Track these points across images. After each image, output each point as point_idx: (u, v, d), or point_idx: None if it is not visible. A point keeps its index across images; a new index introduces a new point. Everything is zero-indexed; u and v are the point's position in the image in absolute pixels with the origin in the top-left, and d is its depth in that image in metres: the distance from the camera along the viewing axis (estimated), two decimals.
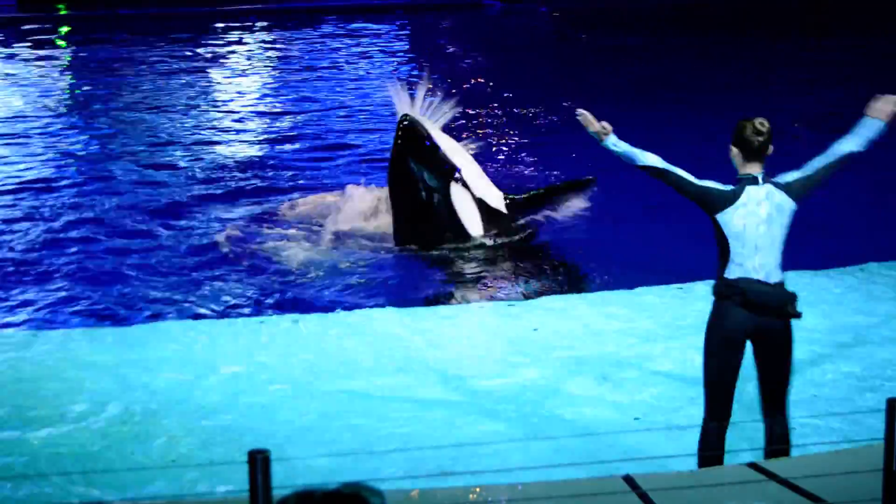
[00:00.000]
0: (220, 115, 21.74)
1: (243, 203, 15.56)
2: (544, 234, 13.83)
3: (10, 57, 29.25)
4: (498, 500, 6.52)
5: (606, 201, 14.17)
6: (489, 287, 12.50)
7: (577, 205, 13.65)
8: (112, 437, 8.48)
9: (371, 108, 22.25)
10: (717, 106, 20.89)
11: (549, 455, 7.68)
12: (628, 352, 10.10)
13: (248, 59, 28.64)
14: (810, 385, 9.22)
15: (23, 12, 36.60)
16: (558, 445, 7.97)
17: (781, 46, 28.69)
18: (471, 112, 15.33)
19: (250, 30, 32.84)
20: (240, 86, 24.90)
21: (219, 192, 16.16)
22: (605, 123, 7.63)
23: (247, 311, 11.61)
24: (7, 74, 26.57)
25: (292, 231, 14.17)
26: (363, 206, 14.85)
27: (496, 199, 13.74)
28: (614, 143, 7.59)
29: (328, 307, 11.64)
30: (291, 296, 12.04)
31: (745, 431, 8.26)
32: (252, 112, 22.11)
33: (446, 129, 14.21)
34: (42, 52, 30.03)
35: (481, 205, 13.60)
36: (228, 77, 26.06)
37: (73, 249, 13.57)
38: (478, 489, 6.66)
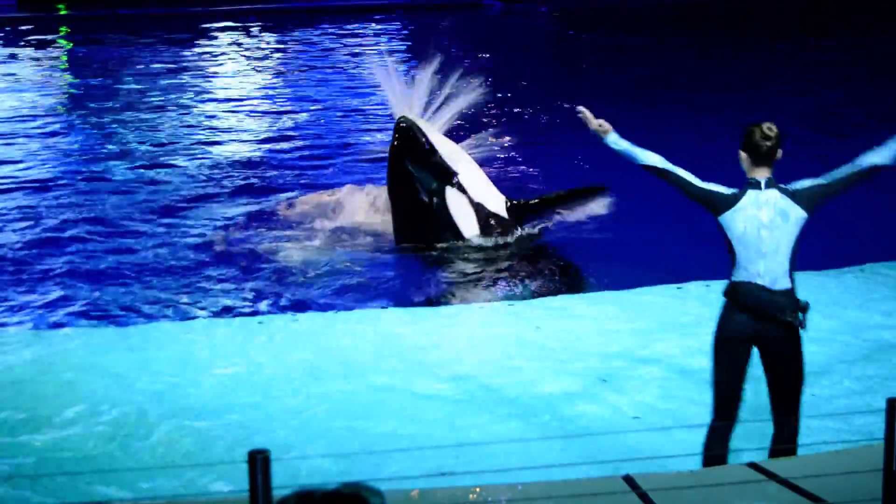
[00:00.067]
0: (220, 114, 21.75)
1: (242, 203, 15.56)
2: (545, 233, 13.80)
3: (10, 57, 29.25)
4: (498, 500, 6.52)
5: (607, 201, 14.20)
6: (489, 287, 12.49)
7: (585, 212, 13.62)
8: (112, 437, 8.47)
9: (370, 107, 22.26)
10: (716, 106, 20.90)
11: (550, 455, 7.67)
12: (628, 352, 10.09)
13: (248, 58, 28.65)
14: (809, 385, 9.21)
15: (23, 12, 36.61)
16: (558, 445, 7.97)
17: (781, 46, 28.69)
18: (471, 113, 15.29)
19: (249, 30, 32.84)
20: (239, 85, 24.91)
21: (218, 191, 16.17)
22: (602, 122, 7.65)
23: (246, 310, 11.61)
24: (7, 74, 26.56)
25: (291, 231, 14.17)
26: (362, 206, 14.86)
27: (497, 203, 13.67)
28: (615, 141, 7.61)
29: (327, 306, 11.65)
30: (290, 295, 12.04)
31: (746, 431, 8.25)
32: (251, 112, 22.11)
33: (448, 130, 14.20)
34: (42, 52, 30.05)
35: (479, 209, 13.53)
36: (227, 77, 26.07)
37: (72, 249, 13.58)
38: (478, 489, 6.66)
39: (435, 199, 13.51)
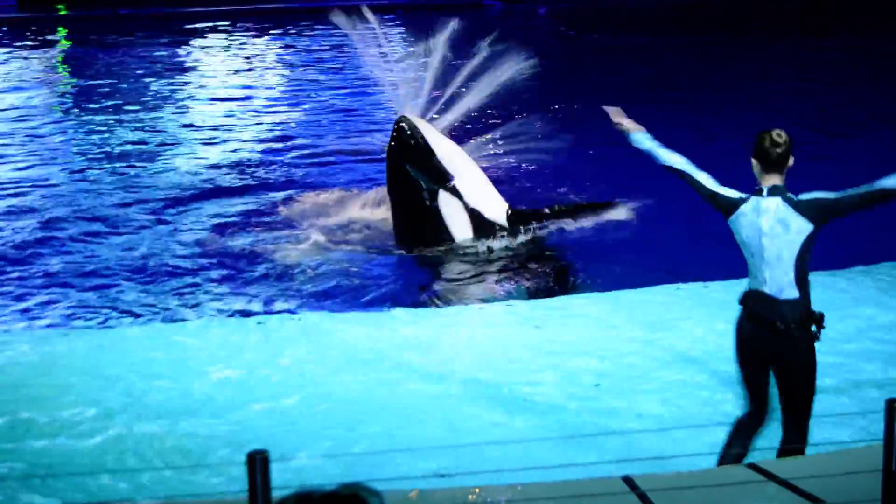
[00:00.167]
0: (218, 114, 21.74)
1: (240, 202, 15.54)
2: (545, 240, 13.73)
3: (10, 57, 29.23)
4: (497, 500, 6.51)
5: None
6: (489, 287, 12.48)
7: (591, 224, 13.58)
8: (111, 438, 8.47)
9: (369, 107, 22.24)
10: (717, 106, 20.89)
11: (549, 455, 7.67)
12: (628, 352, 10.09)
13: (247, 58, 28.64)
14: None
15: (23, 12, 36.60)
16: (557, 446, 7.97)
17: (781, 46, 28.67)
18: (471, 114, 15.28)
19: (249, 30, 32.84)
20: (238, 85, 24.89)
21: (216, 191, 16.15)
22: (624, 122, 7.69)
23: (243, 310, 11.58)
24: (6, 74, 26.56)
25: (289, 230, 14.14)
26: (361, 206, 14.85)
27: (495, 210, 13.54)
28: (639, 140, 7.65)
29: (325, 307, 11.64)
30: (288, 295, 12.01)
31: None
32: (250, 111, 22.09)
33: (450, 131, 14.14)
34: (42, 53, 30.04)
35: (473, 214, 13.41)
36: (226, 77, 26.06)
37: (68, 249, 13.57)
38: (477, 490, 6.66)
39: (428, 202, 13.40)
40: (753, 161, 7.27)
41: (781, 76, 24.44)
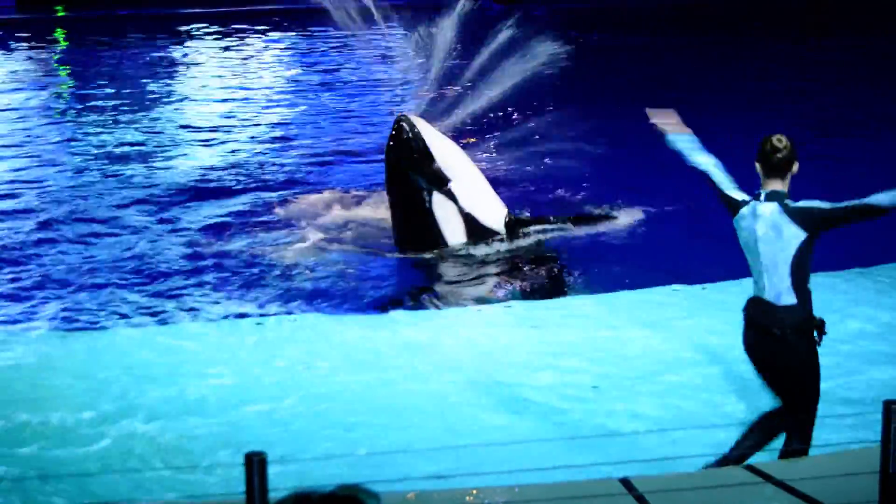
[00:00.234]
0: (216, 115, 21.70)
1: (237, 204, 15.49)
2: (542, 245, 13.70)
3: (8, 58, 29.22)
4: (495, 502, 6.52)
5: (602, 201, 14.23)
6: (487, 288, 12.45)
7: (591, 231, 13.57)
8: (108, 440, 8.46)
9: (367, 108, 22.23)
10: (716, 106, 20.84)
11: (547, 457, 7.67)
12: (625, 353, 10.10)
13: (245, 59, 28.60)
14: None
15: (21, 13, 36.56)
16: (555, 447, 7.97)
17: (781, 46, 28.64)
18: (472, 115, 15.29)
19: (247, 30, 32.80)
20: (235, 86, 24.86)
21: (213, 192, 16.10)
22: (666, 123, 7.71)
23: (240, 312, 11.54)
24: (4, 75, 26.54)
25: (287, 231, 14.09)
26: (359, 207, 14.82)
27: (492, 215, 13.39)
28: (671, 140, 7.68)
29: (323, 308, 11.61)
30: (286, 297, 11.94)
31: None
32: (247, 112, 22.05)
33: (451, 132, 14.07)
34: (40, 53, 30.02)
35: (468, 218, 13.25)
36: (224, 77, 26.02)
37: (64, 251, 13.49)
38: (474, 491, 6.66)
39: (422, 204, 13.24)
40: (756, 165, 7.30)
41: (781, 76, 24.40)
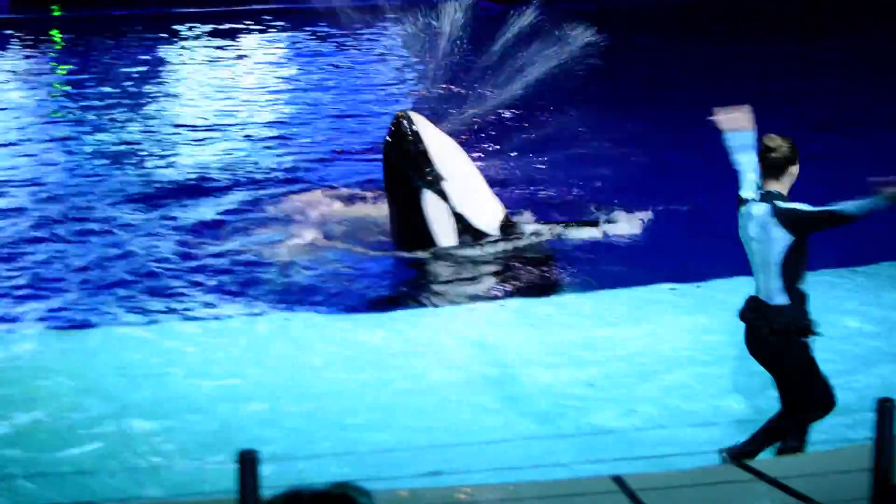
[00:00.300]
0: (211, 114, 21.67)
1: (232, 202, 15.47)
2: (530, 228, 13.66)
3: (3, 57, 29.19)
4: (486, 499, 6.53)
5: (602, 202, 14.24)
6: (482, 287, 12.43)
7: (585, 235, 13.54)
8: (99, 439, 8.47)
9: (363, 106, 22.21)
10: (715, 106, 20.78)
11: (539, 455, 7.68)
12: (619, 351, 10.11)
13: (240, 58, 28.59)
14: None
15: (16, 13, 36.51)
16: (548, 445, 7.98)
17: (781, 47, 28.61)
18: (469, 114, 15.31)
19: (243, 30, 32.79)
20: (231, 85, 24.84)
21: (207, 191, 16.07)
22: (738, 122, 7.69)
23: (235, 310, 11.53)
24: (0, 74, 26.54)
25: (281, 230, 14.06)
26: (355, 205, 14.81)
27: (485, 217, 13.26)
28: (731, 138, 7.64)
29: (316, 307, 11.60)
30: (280, 296, 11.94)
31: (736, 433, 8.29)
32: (242, 111, 22.02)
33: (453, 132, 14.01)
34: (35, 53, 30.00)
35: (460, 219, 13.12)
36: (220, 77, 26.00)
37: (58, 250, 13.45)
38: (467, 489, 6.67)
39: (415, 202, 13.12)
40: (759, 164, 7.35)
41: (781, 76, 24.38)
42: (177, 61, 28.31)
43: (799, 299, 7.24)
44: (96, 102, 22.90)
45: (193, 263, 12.96)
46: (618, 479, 6.60)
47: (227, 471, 5.25)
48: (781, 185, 7.22)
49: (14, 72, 27.07)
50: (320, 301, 11.80)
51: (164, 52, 29.66)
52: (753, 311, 7.35)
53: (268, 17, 34.36)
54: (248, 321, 11.13)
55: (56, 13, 36.53)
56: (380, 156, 13.93)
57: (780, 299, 7.22)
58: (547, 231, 13.60)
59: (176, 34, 31.98)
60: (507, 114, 18.41)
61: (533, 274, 12.68)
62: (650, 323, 10.79)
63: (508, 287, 12.37)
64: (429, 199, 13.11)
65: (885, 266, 12.47)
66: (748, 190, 7.42)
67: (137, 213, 15.00)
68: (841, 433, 8.13)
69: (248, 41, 31.21)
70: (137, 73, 26.53)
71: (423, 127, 13.35)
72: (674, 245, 13.43)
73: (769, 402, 7.88)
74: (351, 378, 9.57)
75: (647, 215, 13.88)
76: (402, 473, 6.87)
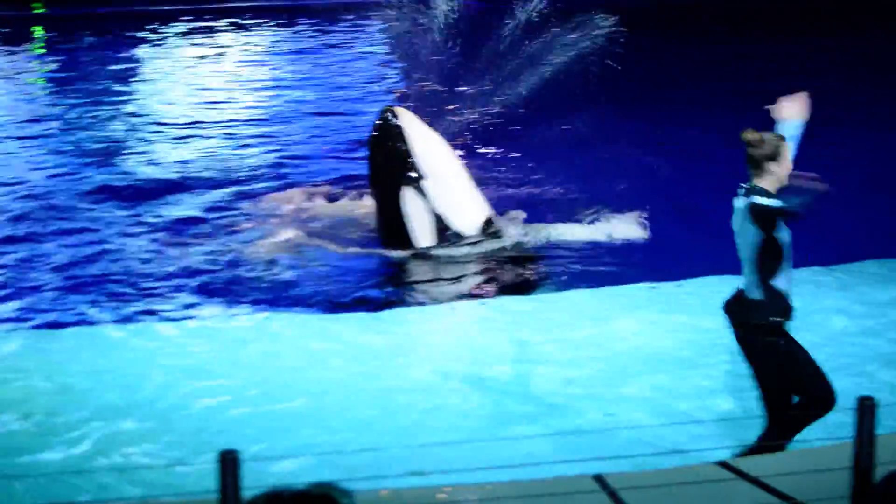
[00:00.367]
0: (193, 111, 21.63)
1: (214, 200, 15.40)
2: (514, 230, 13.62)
3: None
4: (467, 499, 6.53)
5: (581, 201, 14.23)
6: (460, 287, 12.37)
7: (564, 239, 13.49)
8: (78, 439, 8.44)
9: (345, 104, 22.19)
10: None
11: (519, 454, 7.69)
12: (599, 350, 10.11)
13: (223, 55, 28.54)
14: None
15: None
16: (528, 445, 7.98)
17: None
18: (456, 112, 15.29)
19: (230, 27, 32.75)
20: (216, 83, 24.80)
21: (190, 189, 16.01)
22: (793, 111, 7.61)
23: (216, 310, 11.50)
24: None
25: (263, 228, 14.01)
26: (335, 203, 14.78)
27: (466, 218, 13.07)
28: (781, 126, 7.56)
29: (298, 306, 11.55)
30: (261, 295, 11.88)
31: (716, 431, 8.31)
32: (225, 108, 22.00)
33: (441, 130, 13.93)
34: (17, 50, 29.91)
35: (438, 219, 12.95)
36: (204, 75, 25.95)
37: (36, 249, 13.41)
38: (447, 489, 6.67)
39: (394, 198, 12.96)
40: None
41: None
42: (159, 59, 28.26)
43: (773, 295, 7.24)
44: (77, 100, 22.86)
45: (173, 262, 12.89)
46: (599, 479, 6.60)
47: (207, 471, 5.24)
48: (764, 182, 7.21)
49: None
50: (300, 300, 11.76)
51: (147, 49, 29.61)
52: (734, 303, 7.39)
53: (250, 14, 34.33)
54: (227, 320, 11.11)
55: (38, 10, 36.41)
56: (362, 153, 13.87)
57: (756, 294, 7.26)
58: (529, 234, 13.44)
59: (158, 32, 31.92)
60: (503, 113, 18.39)
61: (512, 274, 12.62)
62: (630, 322, 10.79)
63: (488, 287, 12.33)
64: (407, 196, 12.96)
65: (869, 264, 12.50)
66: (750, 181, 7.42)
67: (117, 212, 14.94)
68: (827, 431, 8.18)
69: (230, 38, 31.17)
70: (119, 70, 26.48)
71: (409, 122, 13.19)
72: (654, 244, 13.41)
73: (752, 400, 7.88)
74: (331, 378, 9.56)
75: (633, 215, 13.83)
76: (383, 473, 6.87)
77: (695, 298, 11.18)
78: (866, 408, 5.57)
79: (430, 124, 13.69)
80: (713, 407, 8.91)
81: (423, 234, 13.02)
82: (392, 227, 13.15)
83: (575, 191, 15.12)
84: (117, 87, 24.31)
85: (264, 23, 33.30)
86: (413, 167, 12.99)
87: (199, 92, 23.72)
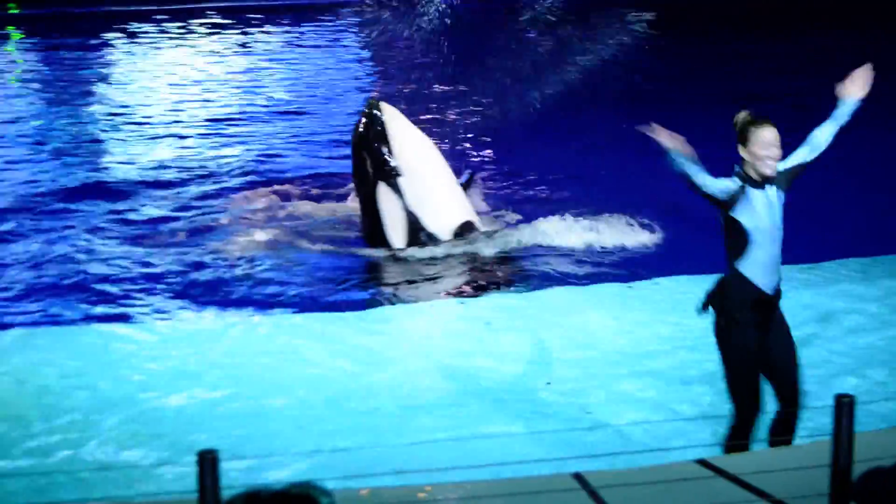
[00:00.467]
0: (170, 111, 21.59)
1: (186, 199, 15.37)
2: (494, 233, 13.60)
3: None
4: (447, 498, 6.52)
5: (563, 201, 14.25)
6: (440, 285, 12.36)
7: (542, 239, 13.42)
8: (55, 440, 8.41)
9: (329, 102, 22.18)
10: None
11: (499, 453, 7.69)
12: (578, 349, 10.12)
13: (199, 54, 28.50)
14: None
15: None
16: (507, 443, 7.99)
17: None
18: (439, 109, 15.27)
19: (202, 26, 32.68)
20: (193, 81, 24.76)
21: (169, 187, 15.99)
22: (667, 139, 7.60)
23: (196, 309, 11.46)
24: None
25: (241, 227, 13.97)
26: (316, 201, 14.75)
27: (441, 219, 12.89)
28: (676, 156, 7.50)
29: (278, 305, 11.54)
30: (241, 294, 11.85)
31: (694, 428, 8.32)
32: (203, 107, 21.95)
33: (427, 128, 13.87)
34: None
35: (411, 218, 12.82)
36: (182, 73, 25.90)
37: (10, 248, 13.36)
38: (427, 488, 6.66)
39: (371, 194, 12.85)
40: None
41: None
42: (134, 58, 28.19)
43: (736, 279, 7.18)
44: (52, 100, 22.79)
45: (152, 262, 12.83)
46: (579, 477, 6.60)
47: (186, 471, 5.23)
48: (744, 162, 7.27)
49: None
50: (281, 299, 11.73)
51: (122, 49, 29.55)
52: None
53: (227, 13, 34.27)
54: (207, 320, 11.08)
55: (13, 11, 36.27)
56: (341, 152, 13.84)
57: (727, 273, 7.24)
58: (506, 235, 13.28)
59: (134, 31, 31.84)
60: (498, 112, 18.39)
61: (492, 274, 12.58)
62: (608, 320, 10.80)
63: (464, 287, 12.29)
64: (382, 193, 12.84)
65: (854, 262, 12.53)
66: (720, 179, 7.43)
67: (93, 211, 14.87)
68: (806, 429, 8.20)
69: (205, 38, 31.11)
70: (94, 70, 26.42)
71: (391, 118, 13.06)
72: (633, 244, 13.41)
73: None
74: (310, 377, 9.54)
75: (615, 215, 13.78)
76: (363, 472, 6.86)
77: (671, 296, 11.20)
78: (844, 405, 5.57)
79: (415, 123, 13.63)
80: (692, 405, 8.92)
81: (395, 233, 12.90)
82: (370, 224, 13.09)
83: (556, 190, 15.14)
84: (92, 87, 24.25)
85: (239, 21, 33.25)
86: (390, 163, 12.87)
87: (174, 91, 23.67)
